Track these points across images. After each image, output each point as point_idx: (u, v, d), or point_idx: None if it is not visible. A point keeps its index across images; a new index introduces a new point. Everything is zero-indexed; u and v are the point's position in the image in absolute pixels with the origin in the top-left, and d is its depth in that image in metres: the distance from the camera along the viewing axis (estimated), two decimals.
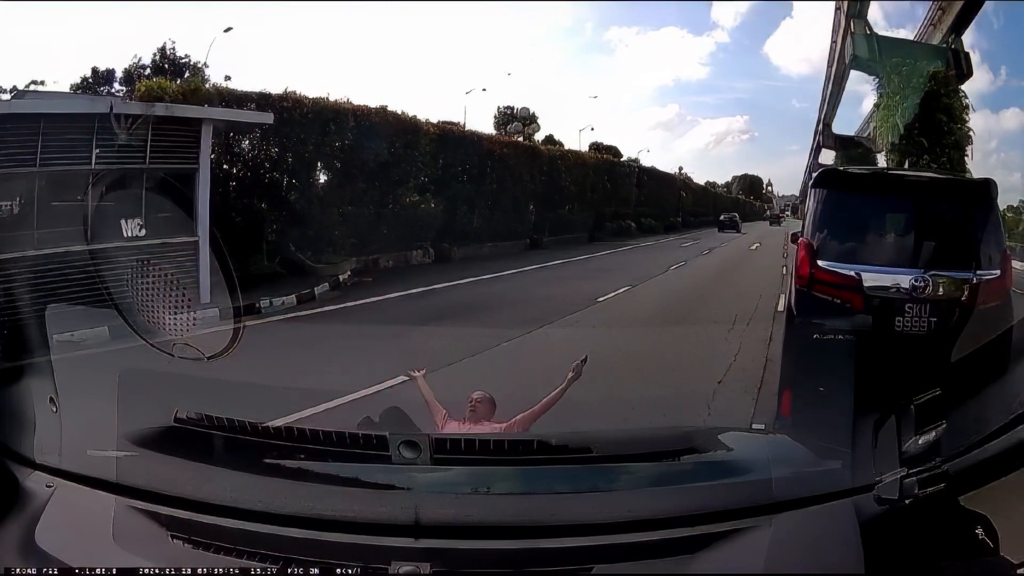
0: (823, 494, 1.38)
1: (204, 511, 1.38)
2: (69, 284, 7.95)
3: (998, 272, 4.43)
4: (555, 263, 15.90)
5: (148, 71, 21.02)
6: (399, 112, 15.77)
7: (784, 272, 11.48)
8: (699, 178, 31.91)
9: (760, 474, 1.53)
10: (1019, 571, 1.11)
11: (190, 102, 11.38)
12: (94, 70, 21.20)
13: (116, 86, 21.42)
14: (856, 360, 3.61)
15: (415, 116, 16.41)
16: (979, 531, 1.16)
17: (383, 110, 15.27)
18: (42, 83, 17.40)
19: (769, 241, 20.93)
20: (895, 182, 5.53)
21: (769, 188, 34.53)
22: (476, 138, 19.61)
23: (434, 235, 16.41)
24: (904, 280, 4.36)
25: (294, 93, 13.66)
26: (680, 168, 31.52)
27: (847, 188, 5.00)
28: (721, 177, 33.64)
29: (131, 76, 21.36)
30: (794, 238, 5.48)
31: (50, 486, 1.50)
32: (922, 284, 4.33)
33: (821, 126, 24.34)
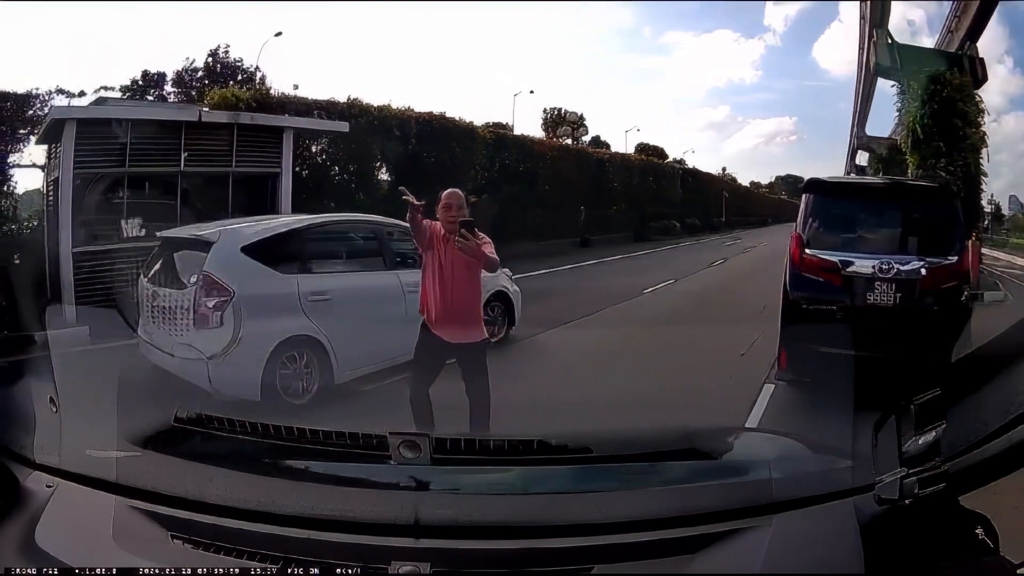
0: (823, 494, 1.38)
1: (204, 511, 1.38)
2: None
3: (955, 258, 5.48)
4: (604, 260, 16.87)
5: (200, 74, 21.12)
6: (456, 118, 16.83)
7: None
8: (743, 179, 32.01)
9: (760, 474, 1.53)
10: (1019, 571, 1.11)
11: (264, 108, 12.62)
12: (144, 73, 21.18)
13: (168, 88, 21.45)
14: (836, 324, 5.19)
15: (471, 122, 17.53)
16: (979, 531, 1.16)
17: (442, 116, 16.36)
18: (112, 89, 18.13)
19: None
20: (867, 187, 6.98)
21: None
22: (528, 142, 20.69)
23: (489, 234, 16.76)
24: (873, 264, 5.47)
25: (359, 101, 14.68)
26: (724, 169, 31.59)
27: (829, 193, 6.21)
28: (765, 178, 33.62)
29: (182, 79, 21.42)
30: None
31: (50, 486, 1.50)
32: (887, 267, 5.44)
33: (856, 128, 24.48)
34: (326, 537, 1.31)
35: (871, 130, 24.27)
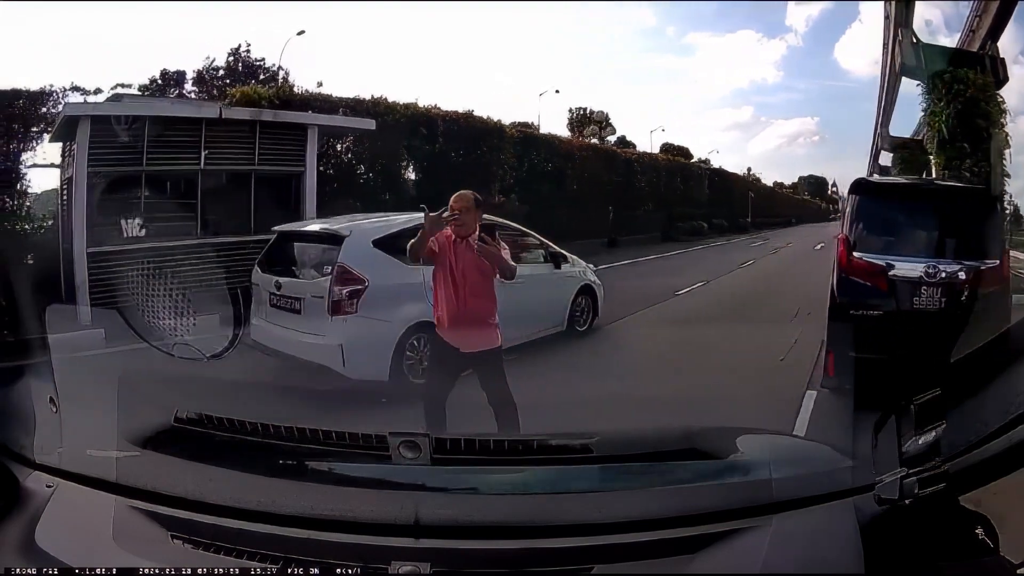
0: (823, 494, 1.38)
1: (204, 511, 1.38)
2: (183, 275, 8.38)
3: (997, 262, 5.43)
4: (634, 260, 16.70)
5: (221, 73, 20.94)
6: (484, 117, 16.45)
7: None
8: (766, 179, 32.02)
9: (760, 474, 1.53)
10: (1019, 571, 1.11)
11: (287, 106, 11.99)
12: (163, 72, 20.94)
13: (188, 87, 21.26)
14: (886, 329, 5.15)
15: (499, 121, 17.13)
16: (979, 531, 1.16)
17: (469, 115, 15.96)
18: (129, 86, 17.38)
19: (831, 241, 21.59)
20: (913, 189, 6.80)
21: (834, 189, 34.46)
22: (557, 141, 20.28)
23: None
24: (920, 268, 5.38)
25: (384, 99, 14.27)
26: (749, 169, 31.57)
27: (875, 194, 6.16)
28: (787, 178, 33.58)
29: (203, 78, 21.22)
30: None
31: (50, 486, 1.50)
32: (933, 271, 5.34)
33: (879, 128, 24.43)
34: (326, 537, 1.31)
35: (894, 131, 24.20)
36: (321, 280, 5.43)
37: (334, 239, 5.56)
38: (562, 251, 7.48)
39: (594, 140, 25.89)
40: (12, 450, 1.54)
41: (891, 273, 5.45)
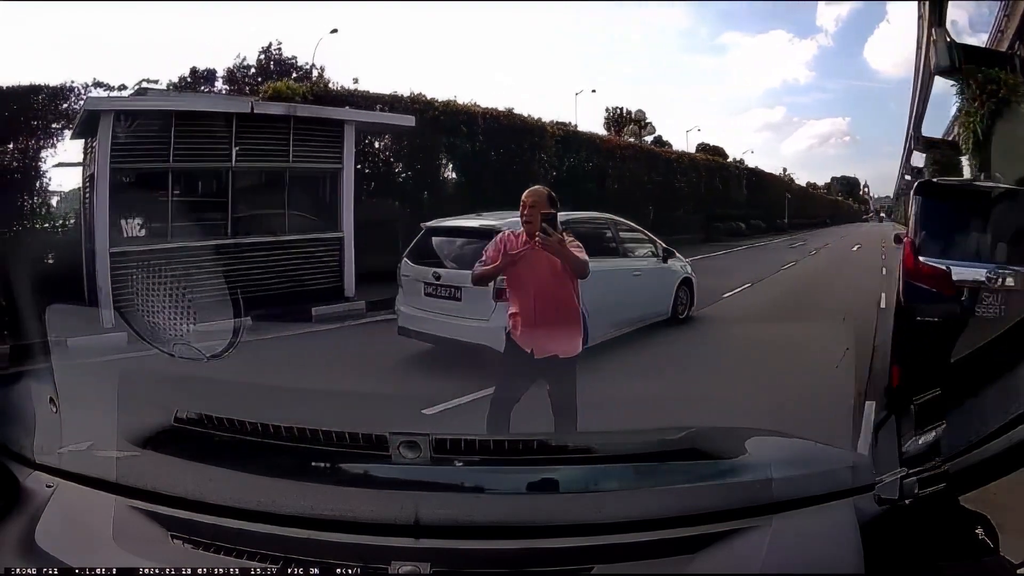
0: (823, 494, 1.38)
1: (204, 511, 1.38)
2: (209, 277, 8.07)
3: None
4: None
5: (252, 71, 20.59)
6: (525, 115, 16.13)
7: (884, 272, 12.69)
8: (799, 180, 31.90)
9: (760, 474, 1.53)
10: (1019, 571, 1.11)
11: (322, 102, 11.67)
12: (193, 70, 20.54)
13: (219, 85, 20.91)
14: (953, 336, 4.58)
15: (540, 119, 16.76)
16: (979, 531, 1.16)
17: (510, 112, 15.69)
18: (156, 82, 16.70)
19: (869, 242, 21.55)
20: (978, 192, 6.62)
21: (865, 189, 34.39)
22: (598, 140, 19.97)
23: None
24: (982, 273, 5.28)
25: (422, 95, 13.96)
26: (784, 169, 31.43)
27: (940, 197, 6.06)
28: (819, 178, 33.42)
29: (234, 76, 20.86)
30: (897, 239, 6.67)
31: (50, 486, 1.50)
32: (995, 276, 5.24)
33: (912, 129, 24.27)
34: (326, 537, 1.31)
35: (926, 131, 24.01)
36: None
37: (489, 233, 6.05)
38: (668, 247, 8.36)
39: (631, 139, 25.65)
40: (12, 450, 1.54)
41: (958, 278, 5.28)
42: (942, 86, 20.81)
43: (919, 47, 21.16)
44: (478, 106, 15.02)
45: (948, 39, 18.70)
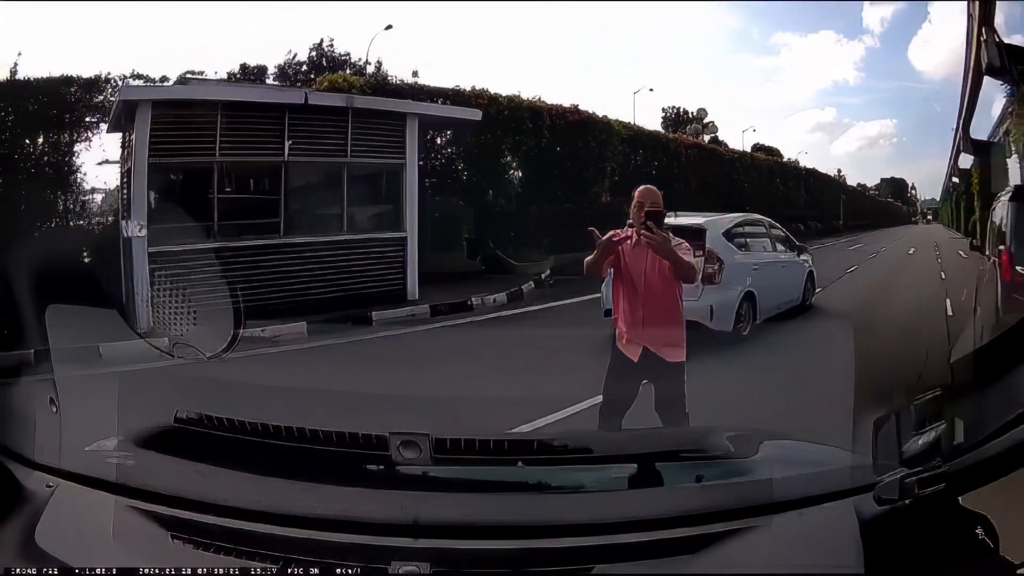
0: (823, 494, 1.38)
1: (204, 511, 1.38)
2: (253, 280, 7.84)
3: None
4: None
5: (304, 68, 20.18)
6: (590, 112, 15.66)
7: (943, 276, 12.59)
8: (850, 181, 31.87)
9: (760, 474, 1.53)
10: (1019, 571, 1.11)
11: (382, 95, 11.18)
12: (243, 66, 20.08)
13: (270, 82, 20.47)
14: None
15: (606, 116, 16.30)
16: (979, 531, 1.16)
17: (576, 109, 15.21)
18: (201, 73, 15.89)
19: (922, 246, 21.38)
20: None
21: (913, 192, 34.38)
22: (664, 139, 19.69)
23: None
24: None
25: (486, 90, 13.58)
26: (839, 170, 31.31)
27: None
28: (867, 180, 33.37)
29: (285, 73, 20.40)
30: (973, 247, 6.92)
31: (50, 486, 1.50)
32: None
33: (960, 131, 24.06)
34: (326, 537, 1.31)
35: (974, 133, 23.75)
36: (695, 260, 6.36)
37: (699, 231, 7.02)
38: (800, 243, 9.56)
39: (690, 138, 25.47)
40: (12, 450, 1.54)
41: None
42: (989, 87, 20.63)
43: (968, 47, 20.83)
44: (543, 102, 14.51)
45: (997, 39, 18.46)
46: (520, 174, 14.59)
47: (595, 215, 15.29)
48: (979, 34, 19.12)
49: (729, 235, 7.62)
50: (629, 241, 3.45)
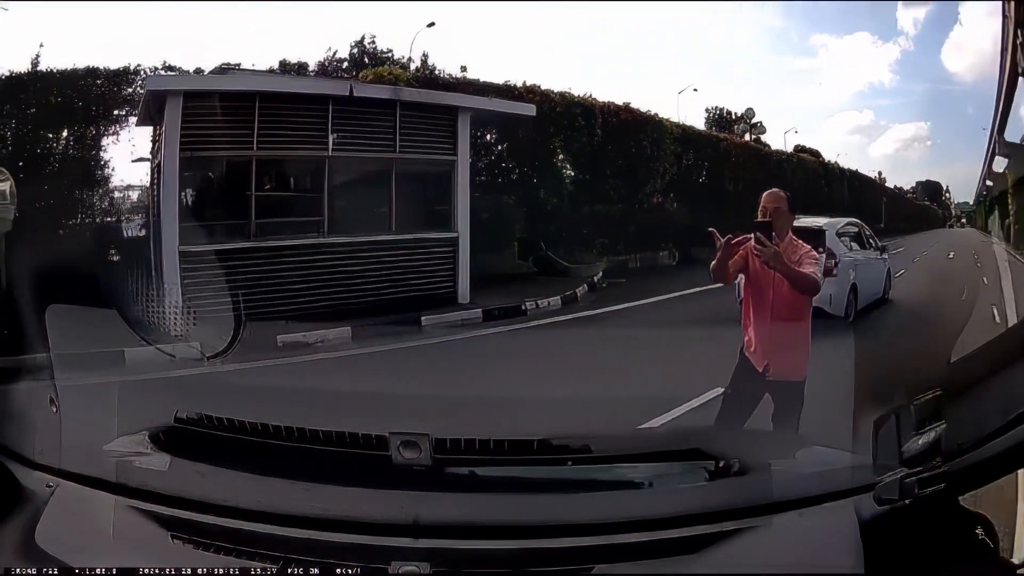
0: (823, 494, 1.38)
1: (204, 511, 1.38)
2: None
3: None
4: None
5: (345, 64, 19.87)
6: (643, 110, 15.33)
7: (985, 281, 12.66)
8: (888, 184, 32.01)
9: (760, 474, 1.53)
10: (1019, 571, 1.11)
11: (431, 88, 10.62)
12: (282, 62, 19.78)
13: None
14: None
15: (657, 114, 15.90)
16: (979, 531, 1.16)
17: (628, 107, 14.83)
18: (238, 65, 15.39)
19: (961, 250, 21.38)
20: None
21: (947, 195, 34.39)
22: (715, 138, 19.39)
23: (675, 237, 16.01)
24: None
25: (538, 87, 13.16)
26: (879, 173, 31.31)
27: None
28: (903, 182, 33.40)
29: (326, 69, 20.12)
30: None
31: (50, 486, 1.50)
32: None
33: (995, 133, 23.91)
34: (326, 537, 1.31)
35: (1009, 135, 23.60)
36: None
37: (819, 232, 8.00)
38: (882, 243, 10.72)
39: (736, 138, 25.37)
40: (12, 450, 1.54)
41: None
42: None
43: (1003, 49, 20.61)
44: (594, 99, 14.10)
45: None
46: (572, 173, 14.25)
47: (646, 216, 15.33)
48: (1015, 36, 18.87)
49: (839, 235, 8.86)
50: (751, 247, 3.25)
